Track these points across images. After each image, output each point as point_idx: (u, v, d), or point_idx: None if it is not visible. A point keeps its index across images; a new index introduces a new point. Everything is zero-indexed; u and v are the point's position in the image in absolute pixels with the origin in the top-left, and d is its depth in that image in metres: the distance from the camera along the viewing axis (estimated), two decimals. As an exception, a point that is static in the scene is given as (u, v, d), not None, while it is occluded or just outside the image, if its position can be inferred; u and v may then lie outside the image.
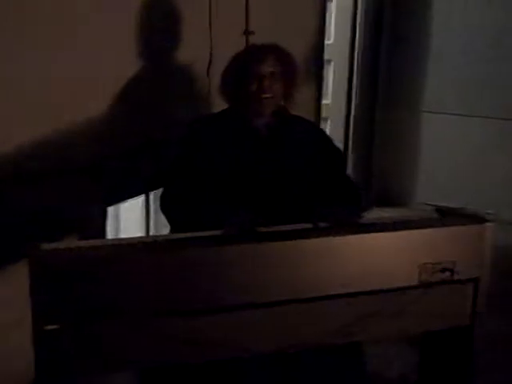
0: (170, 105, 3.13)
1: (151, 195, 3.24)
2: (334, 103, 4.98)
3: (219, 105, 3.29)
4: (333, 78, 4.94)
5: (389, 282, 2.18)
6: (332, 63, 4.92)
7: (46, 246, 1.95)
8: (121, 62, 2.82)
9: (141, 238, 2.21)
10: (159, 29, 3.03)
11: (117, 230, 3.35)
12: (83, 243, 2.03)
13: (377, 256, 2.15)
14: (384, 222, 2.28)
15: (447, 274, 2.23)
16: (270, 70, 2.43)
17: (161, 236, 2.16)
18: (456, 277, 2.23)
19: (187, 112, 3.19)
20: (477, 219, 2.27)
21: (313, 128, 2.61)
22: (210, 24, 3.22)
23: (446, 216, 2.36)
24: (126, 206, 3.24)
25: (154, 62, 3.01)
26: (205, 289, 1.99)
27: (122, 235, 3.31)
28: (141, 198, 3.20)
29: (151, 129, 3.03)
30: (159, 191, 2.52)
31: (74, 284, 1.85)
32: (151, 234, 3.26)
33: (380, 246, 2.16)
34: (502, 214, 4.10)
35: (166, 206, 2.43)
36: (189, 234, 2.11)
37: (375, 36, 4.98)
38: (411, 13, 5.03)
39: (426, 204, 5.08)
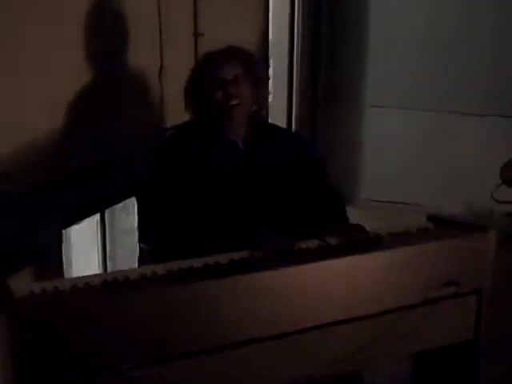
0: (123, 115, 2.88)
1: (106, 214, 2.98)
2: (274, 101, 4.81)
3: (173, 111, 3.11)
4: (273, 75, 4.76)
5: (394, 302, 2.03)
6: (271, 60, 4.74)
7: (21, 290, 1.68)
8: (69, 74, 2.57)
9: (134, 270, 1.96)
10: (109, 34, 2.78)
11: (68, 252, 3.07)
12: (64, 282, 1.78)
13: (380, 276, 2.00)
14: (380, 237, 2.12)
15: (453, 287, 2.10)
16: (232, 73, 2.24)
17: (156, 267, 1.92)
18: (461, 290, 2.11)
19: (141, 122, 2.96)
20: (478, 228, 2.15)
21: (291, 136, 2.45)
22: (160, 27, 2.99)
23: (440, 225, 2.24)
24: (77, 227, 2.97)
25: (104, 71, 2.76)
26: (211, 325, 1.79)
27: (76, 258, 3.03)
28: (95, 218, 2.94)
29: (106, 143, 2.78)
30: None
31: (64, 337, 1.60)
32: (108, 255, 3.01)
33: (383, 265, 2.01)
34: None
35: (159, 235, 2.22)
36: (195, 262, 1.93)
37: (314, 31, 4.83)
38: (348, 6, 4.91)
39: (372, 200, 5.02)
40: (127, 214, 3.13)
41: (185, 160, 2.25)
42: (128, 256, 3.14)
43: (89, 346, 1.63)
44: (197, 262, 1.92)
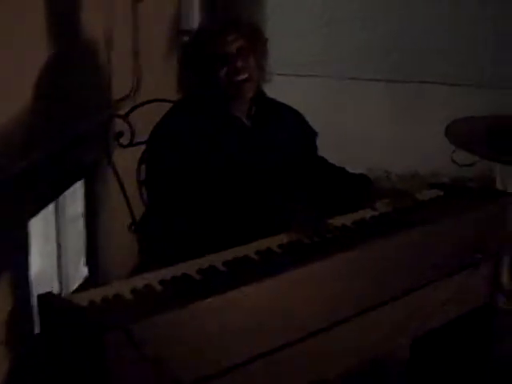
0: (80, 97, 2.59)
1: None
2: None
3: (121, 79, 2.86)
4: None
5: (433, 274, 2.01)
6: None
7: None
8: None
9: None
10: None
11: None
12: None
13: (418, 252, 1.95)
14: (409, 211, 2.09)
15: (479, 254, 2.12)
16: (235, 46, 2.08)
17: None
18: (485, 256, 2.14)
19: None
20: (498, 194, 2.18)
21: (291, 111, 2.31)
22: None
23: (451, 192, 2.24)
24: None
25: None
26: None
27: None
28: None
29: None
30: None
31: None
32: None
33: (420, 241, 1.96)
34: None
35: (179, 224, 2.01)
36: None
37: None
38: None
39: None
40: (74, 200, 2.85)
41: (190, 140, 2.07)
42: (77, 244, 2.88)
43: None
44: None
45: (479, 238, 2.09)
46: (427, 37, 4.65)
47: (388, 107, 4.90)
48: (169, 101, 3.41)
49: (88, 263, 2.97)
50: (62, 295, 1.59)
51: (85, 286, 2.91)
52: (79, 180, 2.81)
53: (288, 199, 2.08)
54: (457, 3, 4.60)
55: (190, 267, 1.71)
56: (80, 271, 2.93)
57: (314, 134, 2.34)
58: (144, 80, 3.18)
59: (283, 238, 1.89)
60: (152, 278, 1.65)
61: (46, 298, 1.53)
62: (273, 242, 1.86)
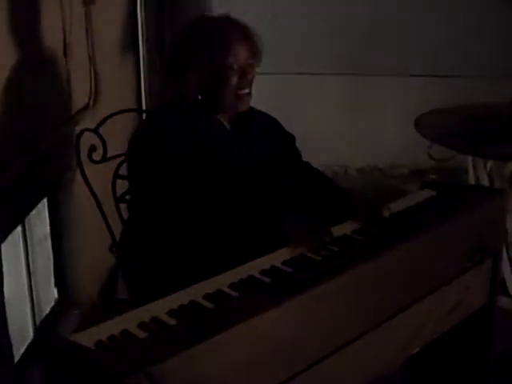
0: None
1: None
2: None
3: (79, 88, 2.70)
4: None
5: (440, 278, 1.94)
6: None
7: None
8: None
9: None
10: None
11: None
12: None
13: (424, 258, 1.88)
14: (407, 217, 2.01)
15: (480, 254, 2.06)
16: (249, 58, 1.98)
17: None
18: (483, 256, 2.08)
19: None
20: (495, 192, 2.13)
21: (267, 117, 2.21)
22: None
23: (444, 192, 2.18)
24: None
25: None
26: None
27: None
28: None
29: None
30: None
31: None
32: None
33: (425, 247, 1.89)
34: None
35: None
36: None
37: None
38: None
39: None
40: (41, 220, 2.68)
41: (176, 144, 1.94)
42: (46, 266, 2.71)
43: None
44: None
45: (479, 237, 2.04)
46: (381, 28, 4.63)
47: (342, 101, 4.86)
48: (139, 110, 3.27)
49: (57, 285, 2.80)
50: (67, 337, 1.38)
51: (56, 308, 2.75)
52: (43, 199, 2.64)
53: (285, 209, 1.97)
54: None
55: (195, 293, 1.59)
56: (50, 293, 2.76)
57: (292, 138, 2.25)
58: (102, 88, 3.02)
59: (285, 254, 1.78)
60: (157, 309, 1.52)
61: (46, 339, 1.38)
62: (276, 259, 1.75)
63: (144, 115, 2.98)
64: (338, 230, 1.88)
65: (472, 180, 3.22)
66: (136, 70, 3.99)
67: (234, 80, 1.95)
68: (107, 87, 3.09)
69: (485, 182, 3.11)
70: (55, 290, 2.81)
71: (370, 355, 1.76)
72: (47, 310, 2.71)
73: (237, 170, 2.00)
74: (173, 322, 1.47)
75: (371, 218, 1.95)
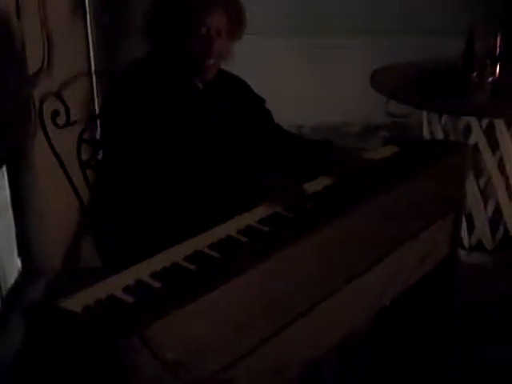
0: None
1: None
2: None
3: (32, 51, 2.64)
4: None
5: (408, 231, 1.99)
6: None
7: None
8: None
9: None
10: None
11: None
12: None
13: (392, 212, 1.92)
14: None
15: (445, 206, 2.12)
16: (218, 28, 1.95)
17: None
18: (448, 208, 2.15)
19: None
20: (457, 146, 2.19)
21: (237, 79, 2.21)
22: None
23: (408, 148, 2.23)
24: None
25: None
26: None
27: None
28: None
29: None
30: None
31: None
32: None
33: (392, 202, 1.92)
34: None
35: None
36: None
37: None
38: None
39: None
40: (1, 188, 2.63)
41: (150, 103, 1.93)
42: (8, 235, 2.67)
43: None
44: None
45: (444, 190, 2.10)
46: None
47: (294, 62, 4.86)
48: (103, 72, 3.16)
49: (20, 255, 2.76)
50: (58, 304, 1.38)
51: (21, 278, 2.72)
52: (2, 167, 2.59)
53: (255, 168, 1.99)
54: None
55: (175, 255, 1.60)
56: (14, 264, 2.72)
57: (262, 101, 2.26)
58: (54, 51, 2.95)
59: (260, 212, 1.80)
60: (140, 272, 1.52)
61: (38, 308, 1.38)
62: (251, 218, 1.77)
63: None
64: (311, 186, 1.91)
65: (427, 135, 3.29)
66: (85, 30, 3.91)
67: (199, 47, 1.93)
68: (59, 50, 3.03)
69: (440, 136, 3.17)
70: (19, 260, 2.77)
71: (344, 310, 1.80)
72: (12, 280, 2.68)
73: (209, 129, 2.00)
74: (157, 284, 1.47)
75: (345, 170, 1.99)
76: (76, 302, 1.40)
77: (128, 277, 1.51)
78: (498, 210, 3.19)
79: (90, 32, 3.94)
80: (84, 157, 2.26)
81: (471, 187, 3.05)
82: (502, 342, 2.66)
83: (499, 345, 2.64)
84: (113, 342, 1.25)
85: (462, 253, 3.05)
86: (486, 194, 3.17)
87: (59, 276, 2.90)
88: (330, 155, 2.08)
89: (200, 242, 1.65)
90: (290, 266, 1.60)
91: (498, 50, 3.03)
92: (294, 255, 1.61)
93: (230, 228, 1.72)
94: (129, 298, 1.42)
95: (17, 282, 2.69)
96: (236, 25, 1.99)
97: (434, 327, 2.34)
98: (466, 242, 3.21)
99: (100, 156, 2.20)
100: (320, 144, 2.16)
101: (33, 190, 2.73)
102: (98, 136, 2.35)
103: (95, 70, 3.75)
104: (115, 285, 1.47)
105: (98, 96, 4.07)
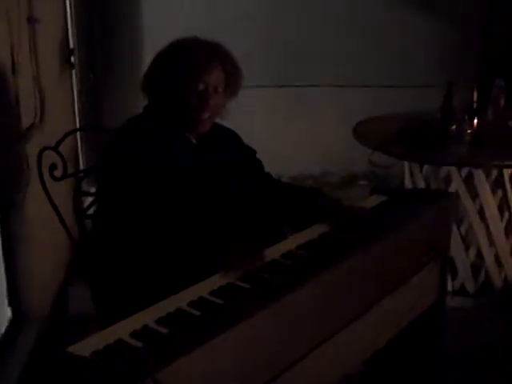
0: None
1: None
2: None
3: (26, 106, 2.70)
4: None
5: (399, 277, 2.06)
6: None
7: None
8: None
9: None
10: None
11: None
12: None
13: (383, 261, 1.98)
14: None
15: (433, 252, 2.20)
16: (215, 84, 2.02)
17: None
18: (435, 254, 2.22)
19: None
20: (442, 196, 2.28)
21: (229, 131, 2.28)
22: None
23: (396, 197, 2.31)
24: None
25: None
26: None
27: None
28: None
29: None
30: None
31: None
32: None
33: (383, 250, 1.99)
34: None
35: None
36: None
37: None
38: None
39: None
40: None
41: (142, 158, 1.98)
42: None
43: None
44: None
45: (431, 237, 2.18)
46: (312, 40, 4.78)
47: (274, 112, 4.98)
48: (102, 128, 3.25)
49: (11, 304, 2.78)
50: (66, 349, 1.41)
51: (11, 327, 2.73)
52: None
53: (221, 232, 1.94)
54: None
55: (179, 301, 1.64)
56: (4, 313, 2.74)
57: (253, 152, 2.33)
58: (46, 106, 3.02)
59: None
60: (146, 318, 1.57)
61: (51, 356, 1.41)
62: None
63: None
64: (306, 235, 1.97)
65: (409, 184, 3.39)
66: (71, 87, 4.00)
67: (196, 102, 2.00)
68: (50, 105, 3.10)
69: (421, 185, 3.28)
70: (9, 309, 2.78)
71: (341, 353, 1.86)
72: (2, 329, 2.69)
73: (203, 182, 2.06)
74: (164, 330, 1.52)
75: (340, 218, 2.05)
76: (84, 347, 1.44)
77: (134, 323, 1.55)
78: (479, 255, 3.28)
79: (75, 89, 4.04)
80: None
81: (453, 234, 3.13)
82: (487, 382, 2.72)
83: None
84: (127, 385, 1.29)
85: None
86: (467, 240, 3.27)
87: (48, 324, 2.91)
88: (321, 202, 2.14)
89: (202, 288, 1.70)
90: (288, 313, 1.65)
91: (475, 103, 3.17)
92: (293, 302, 1.66)
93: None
94: (137, 343, 1.46)
95: (7, 331, 2.69)
96: (232, 81, 2.06)
97: (422, 368, 2.39)
98: (449, 287, 3.29)
99: (94, 208, 2.25)
100: (310, 190, 2.23)
101: (24, 241, 2.76)
102: (91, 189, 2.41)
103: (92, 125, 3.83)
104: (122, 330, 1.51)
105: (81, 151, 4.15)
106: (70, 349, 1.42)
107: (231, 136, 2.27)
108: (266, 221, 2.17)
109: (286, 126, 4.90)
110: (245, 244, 1.86)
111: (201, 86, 2.00)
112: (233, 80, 2.06)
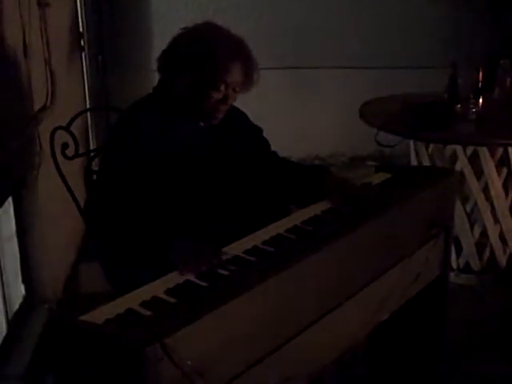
0: None
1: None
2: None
3: (37, 88, 2.76)
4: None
5: (402, 251, 2.11)
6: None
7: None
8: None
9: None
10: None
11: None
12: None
13: (386, 235, 2.03)
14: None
15: (436, 228, 2.25)
16: (235, 86, 2.03)
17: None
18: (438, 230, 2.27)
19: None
20: (446, 172, 2.31)
21: (238, 111, 2.31)
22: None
23: (400, 174, 2.35)
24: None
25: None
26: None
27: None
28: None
29: None
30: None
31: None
32: None
33: (387, 224, 2.04)
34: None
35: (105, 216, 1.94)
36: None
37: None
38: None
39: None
40: (8, 218, 2.72)
41: (147, 136, 2.02)
42: (15, 263, 2.76)
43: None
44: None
45: (435, 213, 2.22)
46: (315, 22, 4.81)
47: (279, 94, 5.00)
48: (113, 109, 3.33)
49: (24, 281, 2.85)
50: (80, 318, 1.48)
51: (24, 304, 2.81)
52: (8, 198, 2.69)
53: (173, 235, 1.87)
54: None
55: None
56: (19, 290, 2.81)
57: (260, 130, 2.37)
58: (57, 88, 3.08)
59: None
60: (155, 289, 1.63)
61: (62, 321, 1.48)
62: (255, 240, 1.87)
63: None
64: (311, 211, 2.03)
65: (415, 163, 3.43)
66: (81, 69, 4.06)
67: (217, 96, 2.02)
68: (61, 87, 3.16)
69: (427, 164, 3.32)
70: (22, 287, 2.86)
71: (346, 324, 1.91)
72: (16, 305, 2.76)
73: (212, 163, 2.10)
74: (173, 299, 1.58)
75: (344, 194, 2.09)
76: (96, 316, 1.50)
77: (144, 294, 1.61)
78: (484, 233, 3.33)
79: (85, 71, 4.09)
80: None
81: (458, 212, 3.17)
82: (488, 359, 2.77)
83: (487, 362, 2.75)
84: (137, 350, 1.35)
85: (450, 274, 3.16)
86: (472, 218, 3.31)
87: (60, 302, 2.99)
88: (326, 179, 2.18)
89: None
90: (293, 284, 1.71)
91: (480, 83, 3.21)
92: (298, 274, 1.71)
93: (237, 248, 1.83)
94: (147, 312, 1.52)
95: (21, 308, 2.77)
96: (249, 81, 2.06)
97: (425, 344, 2.44)
98: (454, 264, 3.34)
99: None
100: (316, 168, 2.27)
101: (36, 219, 2.83)
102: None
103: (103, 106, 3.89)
104: (132, 300, 1.57)
105: (92, 131, 4.21)
106: (84, 317, 1.49)
107: (238, 114, 2.30)
108: (272, 199, 2.21)
109: (292, 109, 4.93)
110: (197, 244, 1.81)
111: (222, 86, 2.01)
112: (250, 80, 2.06)
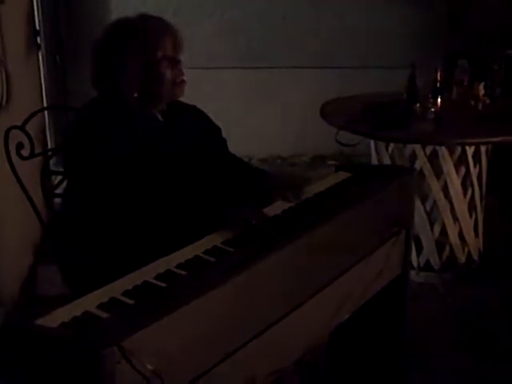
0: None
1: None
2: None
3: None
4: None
5: (362, 250, 2.11)
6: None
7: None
8: None
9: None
10: None
11: None
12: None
13: (346, 233, 2.03)
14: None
15: (396, 226, 2.25)
16: (177, 51, 2.10)
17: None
18: (399, 228, 2.28)
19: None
20: (405, 171, 2.32)
21: (195, 109, 2.31)
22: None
23: (360, 173, 2.36)
24: None
25: None
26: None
27: None
28: None
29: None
30: None
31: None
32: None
33: (347, 223, 2.03)
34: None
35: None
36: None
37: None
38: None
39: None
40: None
41: (115, 137, 2.00)
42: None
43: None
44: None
45: (395, 211, 2.23)
46: (276, 21, 4.81)
47: (240, 94, 5.00)
48: (64, 107, 3.27)
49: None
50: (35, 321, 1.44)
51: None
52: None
53: (216, 196, 2.07)
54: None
55: (146, 274, 1.67)
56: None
57: (219, 130, 2.35)
58: (12, 88, 3.02)
59: (225, 235, 1.87)
60: (113, 290, 1.59)
61: (17, 325, 1.44)
62: (216, 240, 1.86)
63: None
64: (270, 210, 2.02)
65: (375, 162, 3.44)
66: (38, 68, 3.99)
67: (169, 71, 2.06)
68: (17, 86, 3.09)
69: (387, 163, 3.33)
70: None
71: (304, 326, 1.89)
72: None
73: (171, 160, 2.08)
74: (130, 301, 1.55)
75: (286, 188, 2.09)
76: (52, 319, 1.46)
77: (101, 295, 1.57)
78: (443, 232, 3.36)
79: (42, 71, 4.02)
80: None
81: (418, 211, 3.20)
82: (448, 356, 2.80)
83: (446, 359, 2.78)
84: (93, 353, 1.32)
85: (411, 272, 3.19)
86: (432, 216, 3.34)
87: (17, 305, 2.92)
88: (264, 183, 2.19)
89: (170, 260, 1.73)
90: (253, 284, 1.69)
91: (438, 83, 3.24)
92: (258, 273, 1.70)
93: (196, 249, 1.80)
94: (104, 314, 1.49)
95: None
96: (181, 45, 2.11)
97: (385, 343, 2.45)
98: (414, 263, 3.36)
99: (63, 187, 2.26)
100: (254, 171, 2.27)
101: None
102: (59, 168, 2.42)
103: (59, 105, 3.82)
104: (89, 303, 1.53)
105: (49, 130, 4.14)
106: (39, 321, 1.45)
107: (197, 112, 2.30)
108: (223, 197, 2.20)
109: (255, 109, 4.93)
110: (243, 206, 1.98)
111: (166, 55, 2.05)
112: (181, 46, 2.11)
